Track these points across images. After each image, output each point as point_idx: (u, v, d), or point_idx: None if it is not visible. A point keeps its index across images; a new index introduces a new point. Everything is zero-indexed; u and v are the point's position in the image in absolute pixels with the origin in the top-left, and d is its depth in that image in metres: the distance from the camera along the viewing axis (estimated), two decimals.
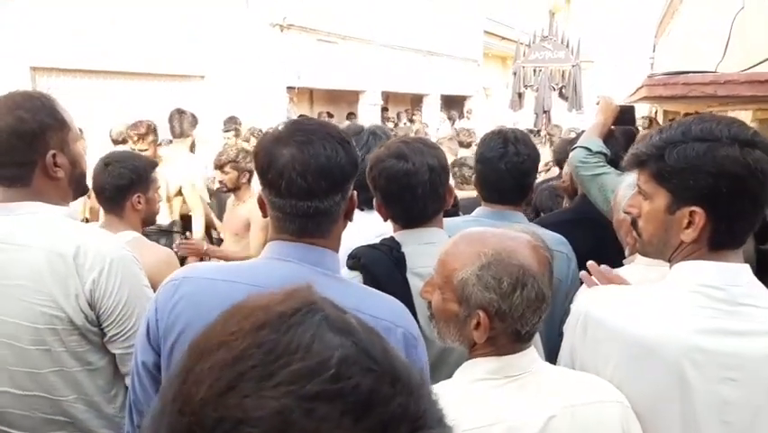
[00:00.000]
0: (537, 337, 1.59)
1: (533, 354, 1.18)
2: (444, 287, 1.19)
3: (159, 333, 1.20)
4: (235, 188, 3.88)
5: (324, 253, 1.25)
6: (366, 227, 1.89)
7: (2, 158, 1.48)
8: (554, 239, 2.02)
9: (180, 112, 5.34)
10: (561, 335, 1.38)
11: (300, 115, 10.06)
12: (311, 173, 1.15)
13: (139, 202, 2.22)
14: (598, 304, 1.26)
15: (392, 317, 1.20)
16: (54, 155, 1.52)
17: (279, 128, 1.22)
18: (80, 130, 5.26)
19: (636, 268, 1.62)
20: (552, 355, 1.47)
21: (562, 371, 1.24)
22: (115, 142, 5.29)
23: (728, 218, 1.16)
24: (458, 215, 2.91)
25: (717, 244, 1.18)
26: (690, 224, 1.17)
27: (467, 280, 1.13)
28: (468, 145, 6.73)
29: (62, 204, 1.58)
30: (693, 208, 1.16)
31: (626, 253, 1.88)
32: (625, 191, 1.77)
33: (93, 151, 5.98)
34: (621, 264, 1.83)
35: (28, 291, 1.44)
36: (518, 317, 1.11)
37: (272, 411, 0.37)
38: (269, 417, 0.37)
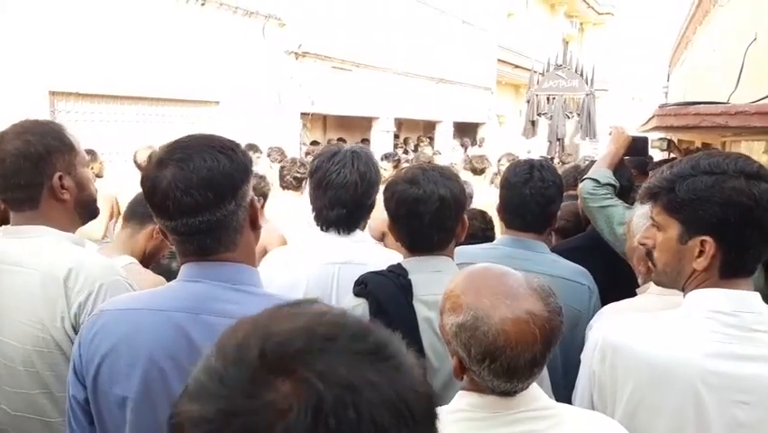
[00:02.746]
0: (545, 374, 1.57)
1: (532, 394, 1.13)
2: (441, 315, 1.17)
3: (82, 367, 1.21)
4: None
5: (234, 267, 1.23)
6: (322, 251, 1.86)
7: (10, 180, 1.53)
8: (576, 271, 2.01)
9: None
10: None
11: (313, 141, 10.18)
12: (195, 188, 1.14)
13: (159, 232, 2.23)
14: (615, 330, 1.31)
15: None
16: (61, 177, 1.56)
17: (158, 152, 1.21)
18: (93, 152, 5.28)
19: (649, 298, 1.65)
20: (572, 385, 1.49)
21: (573, 411, 1.20)
22: (141, 167, 5.35)
23: (738, 247, 1.22)
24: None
25: (727, 272, 1.24)
26: (701, 252, 1.23)
27: (449, 328, 1.11)
28: (481, 172, 6.57)
29: (70, 228, 1.61)
30: (704, 238, 1.23)
31: (640, 281, 1.87)
32: (638, 220, 1.80)
33: (109, 173, 6.09)
34: (634, 290, 1.83)
35: (22, 313, 1.46)
36: (488, 380, 1.08)
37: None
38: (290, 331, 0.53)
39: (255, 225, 1.28)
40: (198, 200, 1.15)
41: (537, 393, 1.14)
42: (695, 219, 1.23)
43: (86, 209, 1.68)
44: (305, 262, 1.83)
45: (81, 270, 1.48)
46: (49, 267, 1.48)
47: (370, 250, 1.91)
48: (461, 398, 1.15)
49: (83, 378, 1.22)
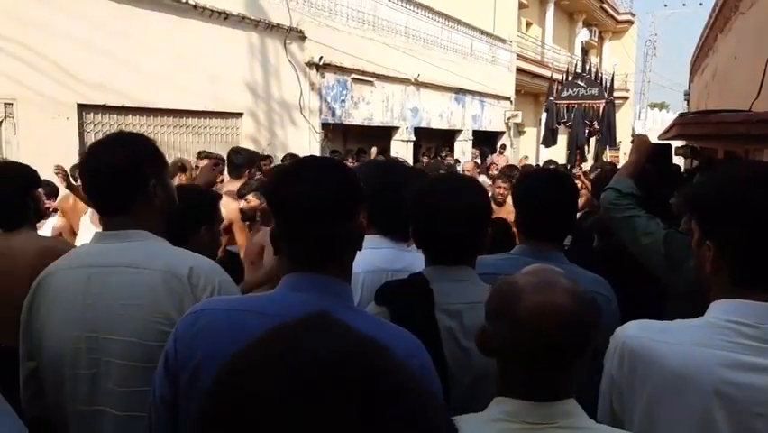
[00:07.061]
0: None
1: (567, 407, 1.10)
2: None
3: (177, 364, 1.23)
4: (253, 217, 4.06)
5: (337, 283, 1.27)
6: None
7: (107, 189, 1.63)
8: (595, 281, 1.94)
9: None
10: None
11: (333, 151, 10.25)
12: (317, 202, 1.22)
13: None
14: (635, 336, 1.30)
15: (408, 348, 1.21)
16: (154, 186, 1.66)
17: (286, 165, 1.29)
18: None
19: None
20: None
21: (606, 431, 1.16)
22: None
23: (742, 255, 1.22)
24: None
25: (740, 281, 1.22)
26: (708, 257, 1.26)
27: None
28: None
29: (155, 232, 1.68)
30: (708, 242, 1.25)
31: None
32: None
33: None
34: (658, 301, 1.79)
35: (143, 310, 1.51)
36: (497, 351, 1.14)
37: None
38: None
39: (357, 246, 1.33)
40: (319, 214, 1.22)
41: (577, 411, 1.11)
42: (701, 224, 1.27)
43: (169, 215, 1.76)
44: (363, 264, 1.81)
45: (201, 269, 1.56)
46: (169, 266, 1.55)
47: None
48: (497, 405, 1.14)
49: (176, 376, 1.23)
